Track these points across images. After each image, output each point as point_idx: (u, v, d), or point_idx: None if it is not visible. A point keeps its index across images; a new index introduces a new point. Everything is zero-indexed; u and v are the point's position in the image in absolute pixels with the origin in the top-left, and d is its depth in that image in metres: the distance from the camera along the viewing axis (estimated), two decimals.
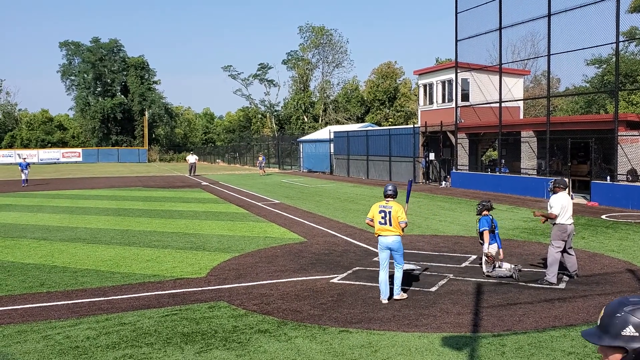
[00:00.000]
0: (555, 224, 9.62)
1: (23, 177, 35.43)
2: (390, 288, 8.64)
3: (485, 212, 10.39)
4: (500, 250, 10.24)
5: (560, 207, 9.50)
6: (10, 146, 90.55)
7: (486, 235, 10.06)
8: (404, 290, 8.84)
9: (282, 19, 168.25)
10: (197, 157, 47.77)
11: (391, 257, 8.72)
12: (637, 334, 1.99)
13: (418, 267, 10.58)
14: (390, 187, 8.84)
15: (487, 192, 26.32)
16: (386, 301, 8.48)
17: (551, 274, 9.39)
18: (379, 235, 8.67)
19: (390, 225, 8.50)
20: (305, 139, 52.75)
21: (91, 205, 22.91)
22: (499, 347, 6.52)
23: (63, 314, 8.08)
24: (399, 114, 74.42)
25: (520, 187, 24.88)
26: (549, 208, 9.71)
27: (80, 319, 7.80)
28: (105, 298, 8.89)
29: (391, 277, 8.82)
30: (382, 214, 8.56)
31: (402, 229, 8.63)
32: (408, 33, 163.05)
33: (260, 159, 47.12)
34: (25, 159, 40.13)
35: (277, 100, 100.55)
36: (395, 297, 8.62)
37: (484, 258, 10.05)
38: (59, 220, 18.41)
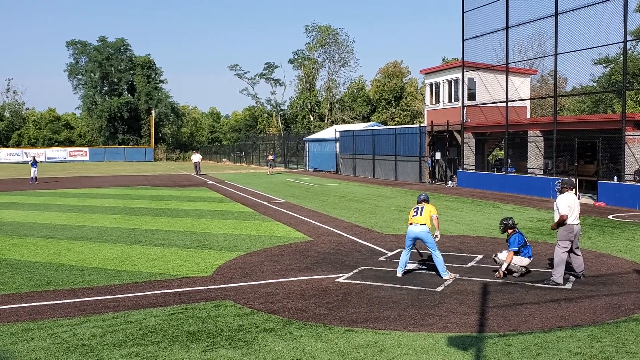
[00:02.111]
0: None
1: (32, 175, 35.85)
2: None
3: (510, 230, 10.09)
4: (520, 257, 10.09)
5: (567, 207, 9.46)
6: (17, 145, 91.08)
7: (509, 256, 9.81)
8: (413, 286, 8.91)
9: (289, 19, 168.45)
10: (201, 156, 47.91)
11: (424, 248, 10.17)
12: None
13: (423, 267, 10.62)
14: (422, 194, 10.33)
15: (493, 191, 26.26)
16: (400, 275, 9.81)
17: (558, 274, 9.36)
18: (409, 224, 9.78)
19: (421, 215, 9.69)
20: (311, 138, 52.75)
21: (98, 204, 23.01)
22: (504, 347, 6.50)
23: (70, 312, 8.12)
24: (405, 113, 74.36)
25: (526, 186, 24.80)
26: (555, 208, 9.67)
27: (86, 317, 7.83)
28: (112, 296, 8.92)
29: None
30: (416, 209, 9.87)
31: (434, 221, 9.82)
32: (414, 32, 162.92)
33: (271, 157, 47.22)
34: (34, 156, 40.80)
35: (283, 100, 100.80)
36: (445, 277, 9.69)
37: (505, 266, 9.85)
38: (65, 218, 18.49)
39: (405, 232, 9.75)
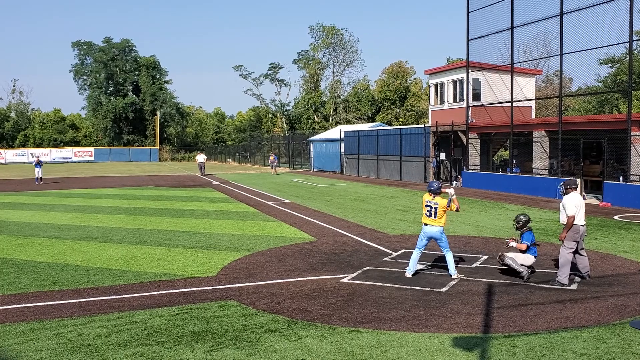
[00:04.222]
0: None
1: (36, 175, 36.06)
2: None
3: (524, 228, 10.10)
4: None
5: (574, 207, 9.42)
6: (23, 145, 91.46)
7: (523, 245, 9.83)
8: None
9: (293, 19, 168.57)
10: (205, 157, 48.10)
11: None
12: None
13: (428, 267, 10.60)
14: (435, 182, 9.97)
15: (498, 192, 26.20)
16: (410, 276, 9.86)
17: (563, 274, 9.33)
18: (424, 224, 9.84)
19: (435, 217, 9.66)
20: (315, 138, 52.77)
21: (103, 204, 23.07)
22: (510, 347, 6.49)
23: (75, 312, 8.14)
24: (409, 113, 74.24)
25: (531, 187, 24.73)
26: (561, 209, 9.63)
27: (91, 317, 7.85)
28: (117, 296, 8.94)
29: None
30: (428, 208, 9.78)
31: (450, 213, 9.96)
32: (419, 32, 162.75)
33: (272, 158, 47.42)
34: (38, 157, 41.11)
35: (287, 100, 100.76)
36: (453, 276, 9.79)
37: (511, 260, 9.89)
38: (71, 218, 18.55)
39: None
